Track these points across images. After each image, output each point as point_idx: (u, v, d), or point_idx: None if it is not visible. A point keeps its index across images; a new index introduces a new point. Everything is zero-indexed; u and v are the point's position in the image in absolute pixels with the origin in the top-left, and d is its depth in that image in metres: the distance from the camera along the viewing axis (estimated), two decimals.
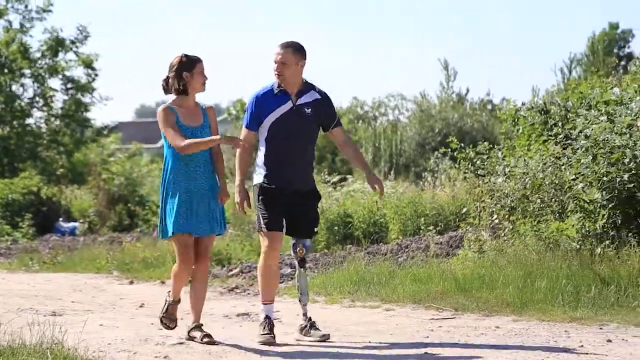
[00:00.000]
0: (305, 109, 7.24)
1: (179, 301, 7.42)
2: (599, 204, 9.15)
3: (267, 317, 7.21)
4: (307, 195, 7.33)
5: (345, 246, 13.49)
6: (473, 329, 7.75)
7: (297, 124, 7.22)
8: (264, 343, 7.07)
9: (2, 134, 27.68)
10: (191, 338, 7.21)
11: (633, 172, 9.04)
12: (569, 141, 10.28)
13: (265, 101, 7.23)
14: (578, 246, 9.16)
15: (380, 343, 7.16)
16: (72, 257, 15.43)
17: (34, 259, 15.39)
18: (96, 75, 28.78)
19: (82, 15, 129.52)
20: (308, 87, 7.32)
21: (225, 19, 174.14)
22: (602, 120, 9.60)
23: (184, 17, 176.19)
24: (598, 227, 9.12)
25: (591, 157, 9.25)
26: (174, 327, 7.42)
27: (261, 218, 7.18)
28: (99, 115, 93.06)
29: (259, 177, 7.27)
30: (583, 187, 9.31)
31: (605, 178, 9.08)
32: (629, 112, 9.70)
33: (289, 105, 7.21)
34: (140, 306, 9.88)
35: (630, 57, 39.25)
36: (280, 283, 11.30)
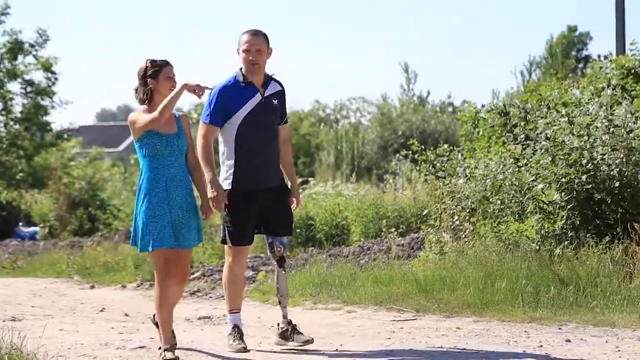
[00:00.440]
0: (273, 101, 6.90)
1: (174, 346, 6.63)
2: (557, 205, 9.23)
3: (236, 327, 6.90)
4: (279, 192, 6.99)
5: (307, 249, 13.51)
6: (434, 330, 7.79)
7: (267, 117, 6.86)
8: (237, 351, 6.79)
9: None
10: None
11: (591, 173, 9.13)
12: (528, 142, 10.36)
13: (232, 94, 6.79)
14: (537, 247, 9.23)
15: (342, 345, 7.18)
16: (32, 261, 15.31)
17: None
18: (56, 79, 28.56)
19: (42, 18, 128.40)
20: (268, 77, 6.95)
21: (187, 20, 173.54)
22: (562, 122, 9.69)
23: (146, 19, 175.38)
24: (557, 228, 9.20)
25: (550, 159, 9.33)
26: None
27: (227, 231, 6.82)
28: (59, 119, 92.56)
29: (224, 181, 6.84)
30: (542, 189, 9.39)
31: (563, 179, 9.16)
32: (586, 113, 9.80)
33: (258, 97, 6.82)
34: (101, 310, 9.83)
35: (588, 59, 39.64)
36: None
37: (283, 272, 7.11)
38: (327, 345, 7.10)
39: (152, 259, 6.57)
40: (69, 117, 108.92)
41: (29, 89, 28.30)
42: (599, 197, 9.11)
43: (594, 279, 8.61)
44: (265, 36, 6.83)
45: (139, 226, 6.52)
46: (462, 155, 11.85)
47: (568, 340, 7.10)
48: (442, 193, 10.92)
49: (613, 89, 12.25)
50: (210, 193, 6.71)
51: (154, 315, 6.84)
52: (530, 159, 9.86)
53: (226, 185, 6.81)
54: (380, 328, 8.01)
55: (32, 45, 28.38)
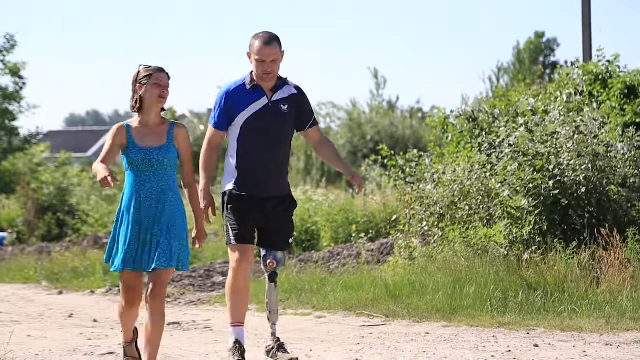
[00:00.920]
0: (282, 105, 6.50)
1: (134, 339, 6.48)
2: (525, 211, 9.29)
3: (237, 342, 6.36)
4: (282, 203, 6.56)
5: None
6: (403, 335, 7.82)
7: (273, 122, 6.47)
8: None
9: None
10: None
11: (557, 178, 9.20)
12: (494, 149, 10.43)
13: (237, 97, 6.46)
14: (506, 252, 9.29)
15: (312, 350, 7.19)
16: (0, 267, 15.19)
17: None
18: (24, 83, 28.43)
19: (10, 23, 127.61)
20: (282, 81, 6.58)
21: (160, 26, 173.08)
22: (521, 131, 9.76)
23: (115, 24, 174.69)
24: (525, 234, 9.26)
25: (517, 165, 9.39)
26: None
27: (230, 229, 6.42)
28: (27, 123, 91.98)
29: (228, 183, 6.52)
30: (509, 194, 9.45)
31: (530, 185, 9.22)
32: (552, 120, 9.86)
33: (263, 101, 6.46)
34: (69, 316, 9.78)
35: (555, 65, 39.93)
36: (212, 292, 11.28)
37: (274, 287, 6.72)
38: (296, 351, 7.11)
39: (120, 277, 6.18)
40: (38, 122, 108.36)
41: None
42: (566, 202, 9.19)
43: (562, 284, 8.67)
44: (278, 41, 6.45)
45: (111, 242, 6.13)
46: (431, 160, 11.90)
47: (536, 345, 7.15)
48: (411, 198, 10.96)
49: (580, 95, 12.36)
50: (201, 202, 6.37)
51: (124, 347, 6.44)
52: (497, 166, 9.92)
53: (228, 186, 6.51)
54: (349, 333, 8.02)
55: None
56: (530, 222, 9.24)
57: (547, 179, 9.18)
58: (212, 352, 7.23)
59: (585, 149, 9.25)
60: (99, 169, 5.86)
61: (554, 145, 9.41)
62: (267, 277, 6.72)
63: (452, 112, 13.18)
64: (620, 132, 10.13)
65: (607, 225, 8.86)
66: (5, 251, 18.09)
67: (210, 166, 6.55)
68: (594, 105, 11.97)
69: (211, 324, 8.83)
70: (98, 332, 8.43)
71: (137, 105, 6.14)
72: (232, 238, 6.41)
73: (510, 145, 9.71)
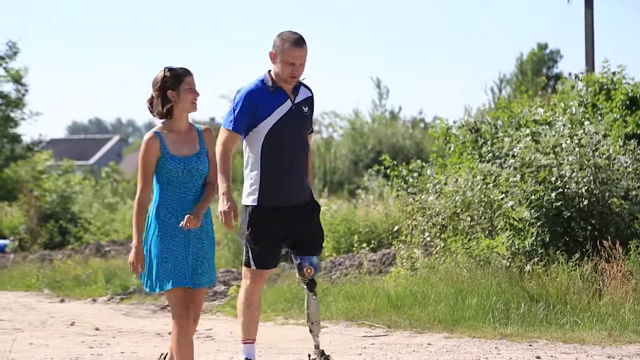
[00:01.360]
0: (303, 107, 6.15)
1: None
2: (527, 222, 9.29)
3: None
4: (308, 208, 6.19)
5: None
6: (405, 346, 7.81)
7: (296, 126, 6.09)
8: None
9: None
10: None
11: (560, 190, 9.20)
12: (497, 160, 10.44)
13: (260, 100, 6.01)
14: (508, 263, 9.29)
15: None
16: (2, 275, 15.21)
17: None
18: (26, 90, 28.50)
19: (13, 30, 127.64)
20: (298, 82, 6.19)
21: (162, 35, 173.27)
22: (527, 140, 9.77)
23: (117, 33, 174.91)
24: (527, 245, 9.26)
25: (519, 176, 9.40)
26: None
27: (251, 252, 6.04)
28: (30, 131, 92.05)
29: (249, 196, 6.07)
30: (512, 206, 9.45)
31: (533, 197, 9.23)
32: (553, 133, 9.87)
33: (288, 104, 6.06)
34: (71, 324, 9.78)
35: (558, 77, 39.97)
36: (213, 301, 11.29)
37: (314, 297, 6.27)
38: None
39: (169, 297, 5.66)
40: (40, 130, 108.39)
41: None
42: (568, 214, 9.19)
43: (564, 295, 8.67)
44: (306, 44, 6.08)
45: (149, 262, 5.66)
46: (433, 171, 11.91)
47: (538, 357, 7.15)
48: (413, 209, 10.97)
49: (584, 107, 12.38)
50: (221, 205, 5.83)
51: (163, 355, 6.00)
52: (499, 177, 9.93)
53: (250, 201, 6.06)
54: (351, 344, 8.02)
55: (2, 58, 28.30)
56: (532, 233, 9.24)
57: (549, 191, 9.19)
58: None
59: (587, 162, 9.25)
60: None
61: (556, 158, 9.41)
62: (305, 286, 6.28)
63: (454, 122, 13.20)
64: (622, 144, 10.13)
65: (609, 238, 8.86)
66: (7, 259, 18.11)
67: (229, 170, 6.00)
68: (598, 116, 12.00)
69: (213, 333, 8.83)
70: (100, 341, 8.43)
71: (166, 112, 5.74)
72: (252, 263, 6.05)
73: (514, 156, 9.72)
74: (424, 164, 12.40)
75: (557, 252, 9.09)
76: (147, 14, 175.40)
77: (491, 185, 10.05)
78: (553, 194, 9.17)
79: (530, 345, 7.66)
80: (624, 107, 12.53)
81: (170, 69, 5.74)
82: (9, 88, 28.50)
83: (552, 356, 7.20)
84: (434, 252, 10.31)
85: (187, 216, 5.55)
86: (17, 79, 28.28)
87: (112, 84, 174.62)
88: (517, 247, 9.33)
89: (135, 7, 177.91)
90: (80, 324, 9.81)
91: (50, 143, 36.11)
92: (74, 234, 20.32)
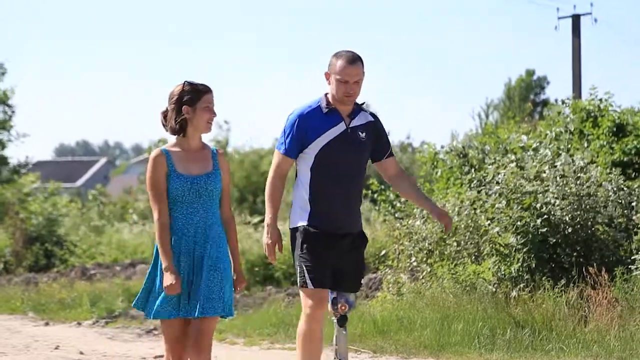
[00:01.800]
0: (360, 133, 5.89)
1: None
2: (513, 248, 9.31)
3: None
4: (356, 240, 5.94)
5: (265, 287, 13.49)
6: None
7: (350, 150, 5.85)
8: None
9: None
10: None
11: (545, 216, 9.22)
12: (484, 186, 10.47)
13: (311, 121, 5.80)
14: (494, 289, 9.29)
15: None
16: None
17: None
18: (13, 112, 28.47)
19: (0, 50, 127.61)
20: (358, 106, 5.97)
21: (148, 58, 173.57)
22: (512, 167, 9.80)
23: (105, 55, 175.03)
24: (513, 271, 9.27)
25: (505, 202, 9.42)
26: None
27: (305, 271, 5.73)
28: (17, 153, 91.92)
29: (299, 218, 5.83)
30: (498, 231, 9.47)
31: (519, 222, 9.25)
32: (537, 160, 9.90)
33: (341, 127, 5.84)
34: (56, 348, 9.73)
35: (546, 103, 40.16)
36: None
37: (344, 332, 6.00)
38: None
39: (162, 327, 5.40)
40: (27, 152, 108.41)
41: None
42: (554, 240, 9.21)
43: (550, 322, 8.67)
44: (362, 62, 5.87)
45: (147, 285, 5.40)
46: None
47: None
48: (400, 234, 10.97)
49: (571, 133, 12.43)
50: (265, 237, 5.77)
51: None
52: (486, 202, 9.95)
53: (302, 222, 5.82)
54: None
55: None
56: (518, 259, 9.25)
57: (535, 217, 9.21)
58: None
59: (569, 191, 9.28)
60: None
61: (541, 184, 9.44)
62: (335, 321, 6.01)
63: (442, 147, 13.24)
64: (608, 171, 10.18)
65: (594, 264, 8.88)
66: None
67: (278, 197, 5.85)
68: (584, 143, 12.05)
69: None
70: None
71: (179, 128, 5.42)
72: (309, 282, 5.71)
73: (498, 183, 9.75)
74: None
75: (543, 278, 9.10)
76: (134, 36, 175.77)
77: (478, 210, 10.06)
78: (539, 221, 9.19)
79: None
80: (610, 134, 12.59)
81: (191, 84, 5.43)
82: None
83: None
84: (421, 277, 10.31)
85: (173, 283, 5.20)
86: (3, 100, 28.25)
87: (100, 105, 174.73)
88: (503, 272, 9.34)
89: (122, 29, 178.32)
90: (65, 347, 9.75)
91: (36, 165, 36.02)
92: (60, 257, 20.22)
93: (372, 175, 29.26)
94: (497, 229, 9.46)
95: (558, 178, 9.42)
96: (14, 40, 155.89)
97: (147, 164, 5.42)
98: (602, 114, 12.92)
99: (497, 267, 9.40)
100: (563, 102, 13.67)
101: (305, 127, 5.79)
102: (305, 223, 5.79)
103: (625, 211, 9.50)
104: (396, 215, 11.81)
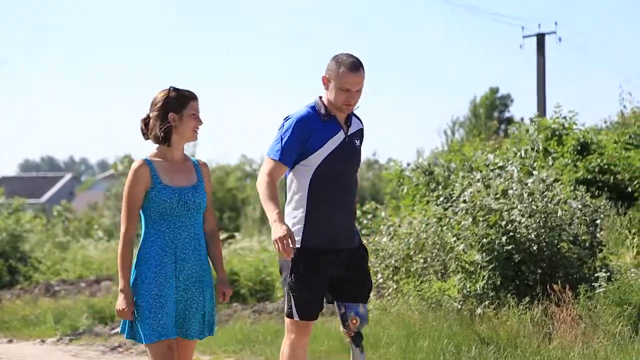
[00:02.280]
0: (355, 140, 5.56)
1: None
2: (479, 265, 9.36)
3: None
4: (357, 252, 5.61)
5: (231, 304, 13.45)
6: None
7: (348, 160, 5.52)
8: None
9: None
10: None
11: (511, 234, 9.29)
12: (450, 203, 10.52)
13: (312, 129, 5.40)
14: (459, 306, 9.33)
15: None
16: None
17: None
18: None
19: None
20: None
21: (113, 69, 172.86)
22: (477, 185, 9.86)
23: (69, 70, 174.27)
24: (478, 288, 9.31)
25: (471, 220, 9.47)
26: None
27: (293, 300, 5.40)
28: None
29: (295, 235, 5.39)
30: (464, 249, 9.52)
31: (484, 240, 9.30)
32: (502, 178, 9.97)
33: (340, 136, 5.47)
34: None
35: (510, 120, 40.47)
36: None
37: (361, 352, 5.61)
38: None
39: (150, 350, 5.05)
40: None
41: None
42: (519, 258, 9.26)
43: (514, 339, 8.71)
44: (364, 67, 5.49)
45: (136, 309, 5.08)
46: (387, 213, 11.97)
47: None
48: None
49: (536, 151, 12.55)
50: (275, 232, 5.12)
51: None
52: (452, 219, 10.00)
53: (297, 240, 5.42)
54: None
55: None
56: (483, 276, 9.30)
57: (500, 235, 9.27)
58: None
59: (536, 208, 9.35)
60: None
61: (506, 202, 9.51)
62: (350, 340, 5.60)
63: (408, 165, 13.31)
64: (573, 189, 10.27)
65: (559, 282, 8.94)
66: None
67: (277, 196, 5.32)
68: (549, 161, 12.16)
69: None
70: None
71: (164, 136, 5.13)
72: (295, 313, 5.40)
73: (464, 201, 9.81)
74: (378, 205, 12.46)
75: (508, 296, 9.15)
76: (99, 51, 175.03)
77: (445, 227, 10.11)
78: (504, 238, 9.25)
79: None
80: (575, 153, 12.73)
81: (176, 89, 5.16)
82: None
83: None
84: (387, 294, 10.33)
85: (222, 290, 5.13)
86: None
87: (65, 121, 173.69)
88: (468, 290, 9.37)
89: (87, 43, 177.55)
90: None
91: (1, 181, 35.78)
92: (24, 274, 20.05)
93: None
94: (462, 246, 9.51)
95: (525, 195, 9.48)
96: None
97: (128, 174, 5.10)
98: (567, 133, 13.06)
99: (462, 284, 9.44)
100: (531, 120, 13.80)
101: (304, 134, 5.38)
102: (298, 244, 5.39)
103: (590, 228, 9.58)
104: (362, 232, 11.84)
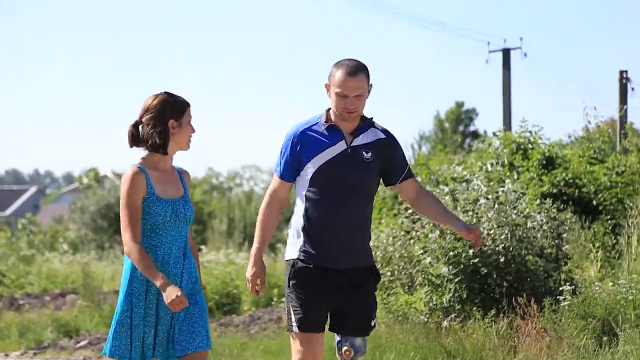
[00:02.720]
0: (364, 153, 5.22)
1: None
2: (445, 278, 9.39)
3: None
4: (362, 276, 5.26)
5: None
6: None
7: (352, 172, 5.18)
8: None
9: None
10: None
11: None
12: (417, 216, 10.55)
13: (308, 139, 5.18)
14: (426, 319, 9.36)
15: None
16: None
17: None
18: None
19: None
20: (366, 122, 5.29)
21: (85, 80, 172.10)
22: (446, 199, 9.90)
23: (33, 83, 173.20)
24: (445, 301, 9.35)
25: (438, 232, 9.51)
26: None
27: (292, 312, 5.15)
28: None
29: (292, 249, 5.23)
30: (430, 262, 9.55)
31: (451, 253, 9.34)
32: (471, 190, 10.03)
33: (341, 146, 5.18)
34: None
35: (475, 134, 40.70)
36: None
37: None
38: None
39: None
40: None
41: None
42: (485, 270, 9.31)
43: (480, 352, 8.75)
44: (366, 72, 5.18)
45: (114, 325, 4.86)
46: None
47: None
48: None
49: (502, 165, 12.63)
50: (248, 271, 5.17)
51: None
52: (419, 232, 10.04)
53: (292, 254, 5.23)
54: None
55: None
56: (450, 289, 9.33)
57: (467, 248, 9.32)
58: None
59: (504, 220, 9.41)
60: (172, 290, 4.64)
61: (475, 215, 9.56)
62: None
63: None
64: (538, 203, 10.35)
65: (524, 295, 8.99)
66: None
67: (270, 225, 5.24)
68: (515, 175, 12.24)
69: None
70: None
71: (160, 144, 4.87)
72: (295, 324, 5.13)
73: None
74: None
75: (474, 309, 9.19)
76: (65, 60, 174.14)
77: (412, 241, 10.15)
78: (471, 251, 9.30)
79: None
80: (540, 167, 12.83)
81: (173, 95, 4.92)
82: None
83: None
84: None
85: (177, 296, 4.66)
86: None
87: (30, 134, 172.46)
88: (435, 303, 9.41)
89: (52, 53, 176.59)
90: None
91: None
92: None
93: None
94: (429, 259, 9.54)
95: (495, 205, 9.53)
96: None
97: (123, 181, 4.81)
98: (532, 147, 13.16)
99: (429, 297, 9.47)
100: (494, 134, 13.90)
101: (300, 146, 5.16)
102: (295, 256, 5.19)
103: (556, 241, 9.66)
104: None
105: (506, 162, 12.90)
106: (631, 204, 11.25)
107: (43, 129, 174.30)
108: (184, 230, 4.92)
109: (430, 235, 9.66)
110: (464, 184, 10.76)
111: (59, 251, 26.65)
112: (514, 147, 13.12)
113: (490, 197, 9.71)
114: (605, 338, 8.31)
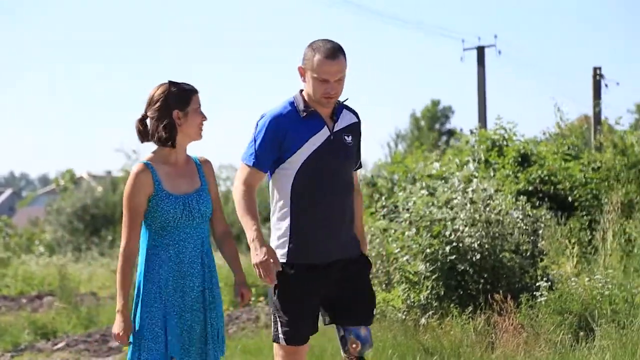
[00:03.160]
0: (345, 137, 4.92)
1: None
2: (423, 276, 9.42)
3: None
4: (355, 264, 4.99)
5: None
6: None
7: (337, 159, 4.88)
8: None
9: None
10: None
11: (454, 244, 9.37)
12: (394, 214, 10.59)
13: (289, 128, 4.79)
14: (403, 317, 9.38)
15: None
16: None
17: None
18: None
19: None
20: (339, 103, 4.97)
21: (67, 83, 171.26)
22: (423, 194, 9.94)
23: (7, 84, 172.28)
24: (422, 298, 9.37)
25: (415, 230, 9.54)
26: None
27: (279, 324, 4.88)
28: None
29: (276, 251, 4.86)
30: (407, 259, 9.58)
31: (428, 250, 9.37)
32: (447, 187, 10.08)
33: (324, 133, 4.85)
34: None
35: (451, 132, 40.84)
36: (107, 357, 11.09)
37: None
38: None
39: None
40: None
41: None
42: (462, 267, 9.35)
43: (458, 348, 8.78)
44: (344, 53, 4.81)
45: (140, 331, 4.61)
46: None
47: None
48: None
49: (477, 162, 12.68)
50: (255, 255, 4.68)
51: None
52: (396, 231, 10.07)
53: (279, 257, 4.85)
54: None
55: None
56: (427, 287, 9.36)
57: (444, 245, 9.35)
58: None
59: (478, 217, 9.45)
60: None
61: (450, 212, 9.59)
62: None
63: None
64: (514, 200, 10.40)
65: (501, 291, 9.04)
66: None
67: (255, 210, 4.82)
68: (490, 172, 12.30)
69: None
70: None
71: (170, 137, 4.64)
72: (282, 337, 4.88)
73: (408, 210, 9.88)
74: None
75: (451, 305, 9.23)
76: (39, 62, 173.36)
77: (390, 238, 10.17)
78: (447, 248, 9.33)
79: None
80: (515, 164, 12.90)
81: (176, 83, 4.66)
82: None
83: None
84: None
85: (240, 291, 4.67)
86: None
87: (4, 136, 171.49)
88: (412, 300, 9.43)
89: (26, 56, 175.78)
90: None
91: None
92: None
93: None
94: (406, 257, 9.57)
95: (468, 204, 9.58)
96: None
97: (128, 181, 4.60)
98: (507, 144, 13.23)
99: (406, 294, 9.49)
100: (471, 131, 13.96)
101: (279, 134, 4.78)
102: (283, 259, 4.85)
103: (532, 238, 9.71)
104: None
105: (482, 158, 12.97)
106: (606, 200, 11.34)
107: (18, 131, 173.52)
108: (200, 227, 4.68)
109: (407, 233, 9.69)
110: (441, 181, 10.81)
111: (35, 253, 26.55)
112: (490, 144, 13.19)
113: (463, 195, 9.75)
114: (581, 333, 8.36)
